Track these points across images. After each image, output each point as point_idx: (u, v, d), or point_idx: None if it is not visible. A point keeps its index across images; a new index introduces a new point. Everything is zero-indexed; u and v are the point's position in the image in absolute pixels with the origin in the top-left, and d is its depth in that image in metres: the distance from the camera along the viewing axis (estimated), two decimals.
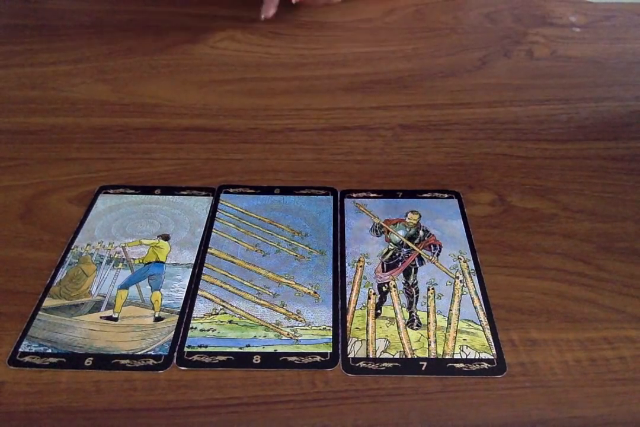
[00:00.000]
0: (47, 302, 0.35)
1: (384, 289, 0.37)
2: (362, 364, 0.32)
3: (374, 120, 0.51)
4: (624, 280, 0.37)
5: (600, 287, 0.37)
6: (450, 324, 0.35)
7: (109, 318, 0.35)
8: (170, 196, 0.43)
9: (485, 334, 0.34)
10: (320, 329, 0.34)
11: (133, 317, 0.35)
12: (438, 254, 0.39)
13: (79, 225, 0.40)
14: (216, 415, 0.30)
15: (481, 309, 0.35)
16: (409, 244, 0.39)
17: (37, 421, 0.30)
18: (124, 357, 0.32)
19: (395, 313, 0.35)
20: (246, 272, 0.37)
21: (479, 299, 0.36)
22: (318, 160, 0.46)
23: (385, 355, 0.33)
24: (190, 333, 0.34)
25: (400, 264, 0.38)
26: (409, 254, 0.39)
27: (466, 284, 0.37)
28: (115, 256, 0.38)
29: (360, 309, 0.35)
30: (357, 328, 0.34)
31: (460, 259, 0.38)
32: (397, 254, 0.39)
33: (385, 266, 0.38)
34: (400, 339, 0.34)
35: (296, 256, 0.39)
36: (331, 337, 0.34)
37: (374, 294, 0.36)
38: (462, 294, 0.36)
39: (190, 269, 0.37)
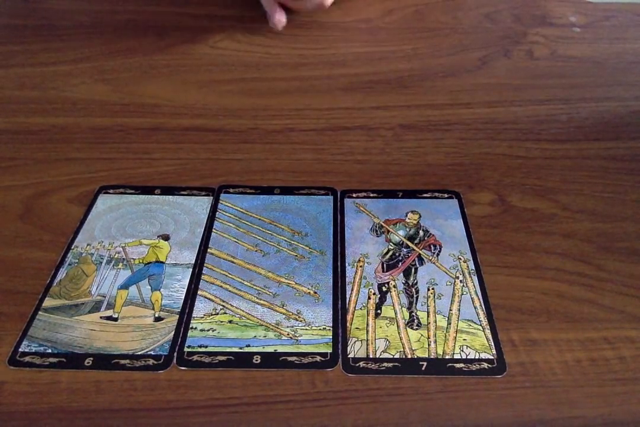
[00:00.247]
0: (47, 302, 0.35)
1: (384, 289, 0.37)
2: (362, 364, 0.32)
3: (374, 120, 0.51)
4: (624, 280, 0.37)
5: (600, 287, 0.37)
6: (450, 324, 0.35)
7: (109, 318, 0.35)
8: (170, 196, 0.43)
9: (485, 334, 0.34)
10: (320, 329, 0.34)
11: (133, 317, 0.35)
12: (438, 254, 0.39)
13: (79, 225, 0.40)
14: (216, 415, 0.30)
15: (481, 309, 0.35)
16: (409, 244, 0.39)
17: (37, 421, 0.30)
18: (124, 357, 0.32)
19: (395, 313, 0.35)
20: (246, 272, 0.37)
21: (479, 299, 0.36)
22: (318, 160, 0.46)
23: (385, 355, 0.33)
24: (190, 333, 0.34)
25: (400, 264, 0.38)
26: (409, 254, 0.39)
27: (466, 284, 0.37)
28: (115, 256, 0.38)
29: (360, 309, 0.35)
30: (357, 328, 0.34)
31: (460, 259, 0.38)
32: (397, 254, 0.39)
33: (385, 266, 0.38)
34: (400, 339, 0.34)
35: (296, 256, 0.39)
36: (331, 337, 0.34)
37: (374, 294, 0.36)
38: (462, 294, 0.36)
39: (190, 269, 0.37)
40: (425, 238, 0.40)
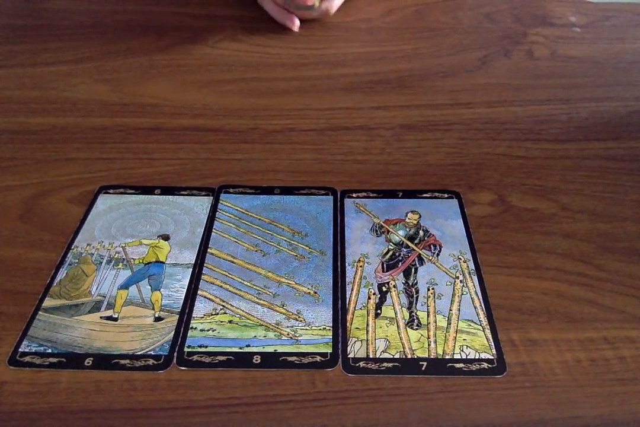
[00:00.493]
0: (47, 302, 0.35)
1: (384, 289, 0.37)
2: (362, 364, 0.32)
3: (374, 120, 0.51)
4: (624, 280, 0.37)
5: (600, 287, 0.37)
6: (450, 324, 0.35)
7: (109, 318, 0.35)
8: (170, 196, 0.43)
9: (485, 334, 0.34)
10: (320, 329, 0.34)
11: (133, 317, 0.35)
12: (438, 254, 0.39)
13: (79, 225, 0.40)
14: (216, 415, 0.30)
15: (481, 309, 0.35)
16: (409, 244, 0.39)
17: (37, 421, 0.30)
18: (124, 357, 0.32)
19: (395, 313, 0.35)
20: (246, 272, 0.37)
21: (479, 299, 0.36)
22: (318, 160, 0.46)
23: (385, 355, 0.33)
24: (190, 333, 0.34)
25: (400, 264, 0.38)
26: (409, 254, 0.39)
27: (466, 284, 0.37)
28: (115, 256, 0.38)
29: (360, 309, 0.35)
30: (357, 328, 0.34)
31: (460, 259, 0.38)
32: (397, 254, 0.39)
33: (385, 266, 0.38)
34: (400, 339, 0.34)
35: (296, 256, 0.39)
36: (331, 337, 0.34)
37: (374, 294, 0.36)
38: (462, 294, 0.36)
39: (190, 269, 0.37)
40: (425, 238, 0.40)
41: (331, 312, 0.35)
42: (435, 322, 0.35)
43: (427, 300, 0.36)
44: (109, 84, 0.55)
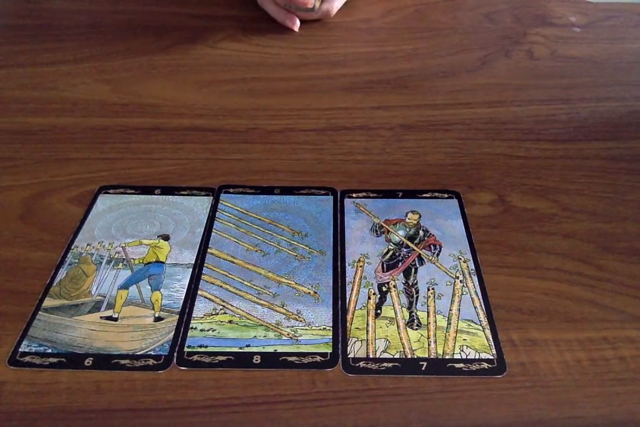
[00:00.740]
0: (47, 302, 0.35)
1: (384, 289, 0.37)
2: (362, 364, 0.32)
3: (374, 120, 0.51)
4: (624, 280, 0.37)
5: (600, 287, 0.37)
6: (450, 324, 0.35)
7: (109, 318, 0.35)
8: (170, 196, 0.43)
9: (485, 334, 0.34)
10: (320, 329, 0.34)
11: (133, 317, 0.35)
12: (438, 254, 0.39)
13: (79, 225, 0.40)
14: (216, 415, 0.30)
15: (481, 309, 0.35)
16: (409, 244, 0.39)
17: (37, 421, 0.30)
18: (124, 357, 0.32)
19: (395, 313, 0.35)
20: (246, 272, 0.37)
21: (479, 299, 0.36)
22: (318, 160, 0.46)
23: (385, 355, 0.33)
24: (190, 333, 0.34)
25: (400, 264, 0.38)
26: (409, 254, 0.39)
27: (466, 284, 0.37)
28: (115, 256, 0.38)
29: (360, 309, 0.35)
30: (357, 328, 0.34)
31: (460, 259, 0.38)
32: (397, 254, 0.39)
33: (385, 265, 0.38)
34: (400, 339, 0.34)
35: (296, 256, 0.39)
36: (331, 337, 0.34)
37: (374, 294, 0.36)
38: (462, 294, 0.36)
39: (190, 269, 0.37)
40: (425, 238, 0.40)
41: (331, 312, 0.35)
42: (435, 322, 0.35)
43: (427, 300, 0.36)
44: (109, 84, 0.55)
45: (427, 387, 0.32)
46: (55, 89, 0.54)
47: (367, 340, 0.34)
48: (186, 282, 0.37)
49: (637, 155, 0.47)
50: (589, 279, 0.37)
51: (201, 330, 0.34)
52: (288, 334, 0.34)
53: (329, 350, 0.33)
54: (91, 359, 0.32)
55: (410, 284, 0.37)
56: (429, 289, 0.36)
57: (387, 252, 0.39)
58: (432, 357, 0.33)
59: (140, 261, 0.38)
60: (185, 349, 0.33)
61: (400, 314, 0.35)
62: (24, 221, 0.41)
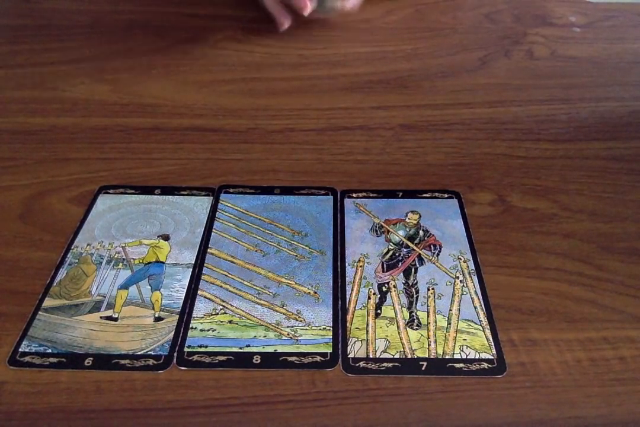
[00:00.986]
0: (47, 302, 0.35)
1: (384, 289, 0.37)
2: (362, 364, 0.32)
3: (374, 120, 0.51)
4: (624, 280, 0.37)
5: (600, 287, 0.37)
6: (450, 324, 0.35)
7: (109, 318, 0.35)
8: (170, 196, 0.43)
9: (485, 334, 0.34)
10: (320, 329, 0.34)
11: (133, 317, 0.35)
12: (438, 254, 0.39)
13: (79, 225, 0.40)
14: (216, 415, 0.30)
15: (481, 309, 0.35)
16: (409, 244, 0.39)
17: (37, 421, 0.30)
18: (124, 357, 0.32)
19: (395, 313, 0.35)
20: (246, 272, 0.37)
21: (479, 299, 0.36)
22: (318, 160, 0.46)
23: (385, 355, 0.33)
24: (190, 333, 0.34)
25: (400, 264, 0.38)
26: (409, 254, 0.39)
27: (466, 284, 0.37)
28: (115, 256, 0.38)
29: (360, 309, 0.35)
30: (357, 328, 0.34)
31: (460, 259, 0.38)
32: (397, 254, 0.39)
33: (385, 266, 0.38)
34: (400, 339, 0.34)
35: (296, 256, 0.39)
36: (331, 337, 0.34)
37: (374, 294, 0.36)
38: (462, 294, 0.36)
39: (190, 269, 0.37)
40: (425, 238, 0.40)
41: (331, 312, 0.35)
42: (435, 322, 0.35)
43: (427, 300, 0.36)
44: (109, 84, 0.55)
45: (427, 387, 0.32)
46: (55, 89, 0.54)
47: (367, 340, 0.34)
48: (186, 282, 0.37)
49: (637, 155, 0.47)
50: (589, 279, 0.37)
51: (201, 330, 0.34)
52: (288, 334, 0.34)
53: (329, 350, 0.33)
54: (91, 359, 0.32)
55: (410, 284, 0.37)
56: (429, 289, 0.36)
57: (387, 252, 0.39)
58: (432, 357, 0.33)
59: (140, 261, 0.38)
60: (185, 349, 0.33)
61: (400, 314, 0.35)
62: (24, 221, 0.41)
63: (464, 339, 0.34)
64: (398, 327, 0.34)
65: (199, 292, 0.36)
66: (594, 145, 0.48)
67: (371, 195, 0.43)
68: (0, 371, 0.32)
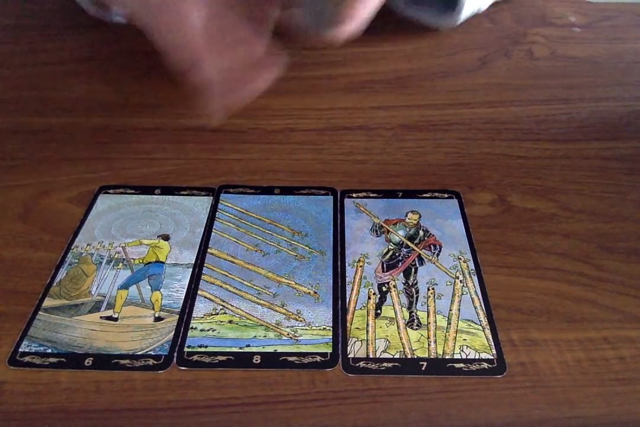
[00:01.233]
0: (47, 302, 0.35)
1: (384, 289, 0.37)
2: (362, 364, 0.32)
3: (374, 120, 0.51)
4: (624, 280, 0.37)
5: (600, 287, 0.37)
6: (450, 324, 0.35)
7: (109, 318, 0.35)
8: (170, 196, 0.43)
9: (485, 334, 0.34)
10: (320, 329, 0.34)
11: (133, 317, 0.35)
12: (438, 254, 0.39)
13: (79, 225, 0.40)
14: (216, 415, 0.30)
15: (481, 309, 0.35)
16: (409, 244, 0.39)
17: (37, 421, 0.30)
18: (124, 357, 0.32)
19: (395, 313, 0.35)
20: (246, 272, 0.37)
21: (479, 299, 0.36)
22: (318, 160, 0.46)
23: (385, 355, 0.33)
24: (190, 333, 0.34)
25: (400, 264, 0.38)
26: (409, 254, 0.39)
27: (466, 284, 0.37)
28: (115, 256, 0.38)
29: (360, 309, 0.35)
30: (357, 328, 0.34)
31: (460, 259, 0.38)
32: (397, 254, 0.39)
33: (385, 265, 0.38)
34: (400, 339, 0.34)
35: (296, 256, 0.39)
36: (331, 337, 0.34)
37: (374, 294, 0.36)
38: (462, 294, 0.36)
39: (190, 269, 0.37)
40: (425, 238, 0.40)
41: (331, 312, 0.35)
42: (435, 322, 0.35)
43: (427, 300, 0.36)
44: (109, 84, 0.55)
45: (427, 387, 0.32)
46: (55, 89, 0.54)
47: (367, 340, 0.34)
48: (186, 282, 0.37)
49: (637, 155, 0.47)
50: (589, 279, 0.37)
51: (201, 330, 0.34)
52: (288, 334, 0.34)
53: (329, 350, 0.33)
54: (91, 359, 0.32)
55: (410, 284, 0.37)
56: (429, 289, 0.36)
57: (387, 252, 0.39)
58: (432, 357, 0.33)
59: (140, 261, 0.38)
60: (185, 349, 0.33)
61: (400, 314, 0.35)
62: (24, 221, 0.41)
63: (464, 339, 0.34)
64: (398, 327, 0.34)
65: (199, 292, 0.36)
66: (594, 145, 0.48)
67: (371, 195, 0.43)
68: (0, 371, 0.32)
